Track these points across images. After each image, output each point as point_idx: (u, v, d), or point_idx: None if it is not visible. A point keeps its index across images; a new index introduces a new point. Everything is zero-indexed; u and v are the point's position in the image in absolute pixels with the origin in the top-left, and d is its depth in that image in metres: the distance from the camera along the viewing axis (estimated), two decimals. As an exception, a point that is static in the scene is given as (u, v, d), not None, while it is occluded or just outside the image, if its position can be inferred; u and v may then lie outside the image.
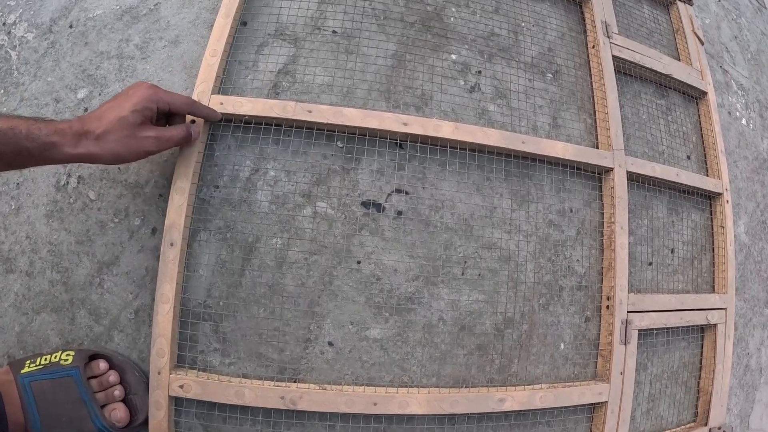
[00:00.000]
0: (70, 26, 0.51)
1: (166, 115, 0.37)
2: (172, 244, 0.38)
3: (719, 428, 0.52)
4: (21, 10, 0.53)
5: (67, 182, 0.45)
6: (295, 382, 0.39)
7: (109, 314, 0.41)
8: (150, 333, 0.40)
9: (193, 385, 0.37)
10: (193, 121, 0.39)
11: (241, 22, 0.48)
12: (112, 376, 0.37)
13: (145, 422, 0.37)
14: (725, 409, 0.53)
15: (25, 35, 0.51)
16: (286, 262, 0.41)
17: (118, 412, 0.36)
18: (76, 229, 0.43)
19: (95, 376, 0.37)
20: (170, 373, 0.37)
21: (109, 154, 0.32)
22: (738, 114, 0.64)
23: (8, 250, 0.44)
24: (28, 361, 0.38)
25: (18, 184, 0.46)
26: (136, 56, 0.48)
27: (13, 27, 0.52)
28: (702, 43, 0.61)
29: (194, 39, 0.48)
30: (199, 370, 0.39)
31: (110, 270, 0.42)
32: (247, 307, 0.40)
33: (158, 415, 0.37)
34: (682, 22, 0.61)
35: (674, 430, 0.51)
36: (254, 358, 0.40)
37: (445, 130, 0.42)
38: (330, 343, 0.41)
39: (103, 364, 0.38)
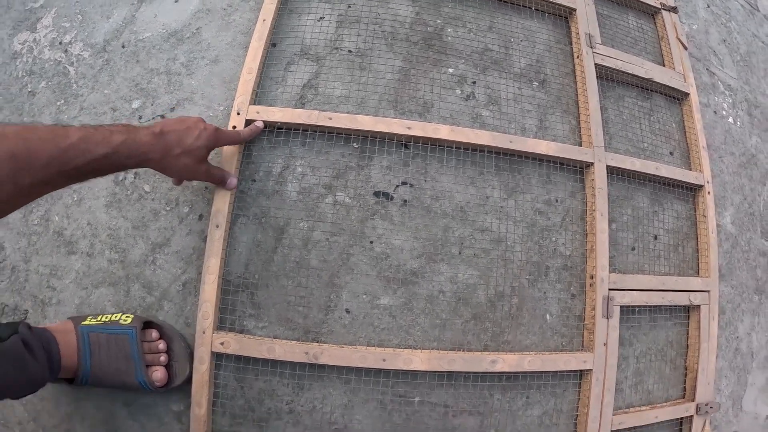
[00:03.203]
0: (123, 46, 0.70)
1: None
2: (217, 226, 0.55)
3: (706, 404, 0.65)
4: (76, 31, 0.72)
5: (125, 177, 0.62)
6: (318, 342, 0.55)
7: (160, 287, 0.58)
8: (195, 302, 0.56)
9: (232, 342, 0.53)
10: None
11: (272, 44, 0.66)
12: (162, 344, 0.53)
13: (187, 381, 0.52)
14: (712, 386, 0.65)
15: (81, 53, 0.71)
16: (311, 242, 0.57)
17: (159, 374, 0.50)
18: (133, 216, 0.60)
19: (146, 341, 0.53)
20: (213, 333, 0.53)
21: (176, 171, 0.46)
22: (724, 113, 0.79)
23: (70, 235, 0.61)
24: (89, 317, 0.53)
25: (80, 181, 0.64)
26: (182, 72, 0.67)
27: (70, 46, 0.72)
28: (686, 48, 0.77)
29: (231, 58, 0.66)
30: (237, 332, 0.55)
31: (162, 250, 0.59)
32: (278, 280, 0.56)
33: (201, 368, 0.53)
34: (666, 30, 0.77)
35: (663, 404, 0.64)
36: (283, 323, 0.56)
37: (443, 132, 0.58)
38: (347, 311, 0.56)
39: (155, 333, 0.53)
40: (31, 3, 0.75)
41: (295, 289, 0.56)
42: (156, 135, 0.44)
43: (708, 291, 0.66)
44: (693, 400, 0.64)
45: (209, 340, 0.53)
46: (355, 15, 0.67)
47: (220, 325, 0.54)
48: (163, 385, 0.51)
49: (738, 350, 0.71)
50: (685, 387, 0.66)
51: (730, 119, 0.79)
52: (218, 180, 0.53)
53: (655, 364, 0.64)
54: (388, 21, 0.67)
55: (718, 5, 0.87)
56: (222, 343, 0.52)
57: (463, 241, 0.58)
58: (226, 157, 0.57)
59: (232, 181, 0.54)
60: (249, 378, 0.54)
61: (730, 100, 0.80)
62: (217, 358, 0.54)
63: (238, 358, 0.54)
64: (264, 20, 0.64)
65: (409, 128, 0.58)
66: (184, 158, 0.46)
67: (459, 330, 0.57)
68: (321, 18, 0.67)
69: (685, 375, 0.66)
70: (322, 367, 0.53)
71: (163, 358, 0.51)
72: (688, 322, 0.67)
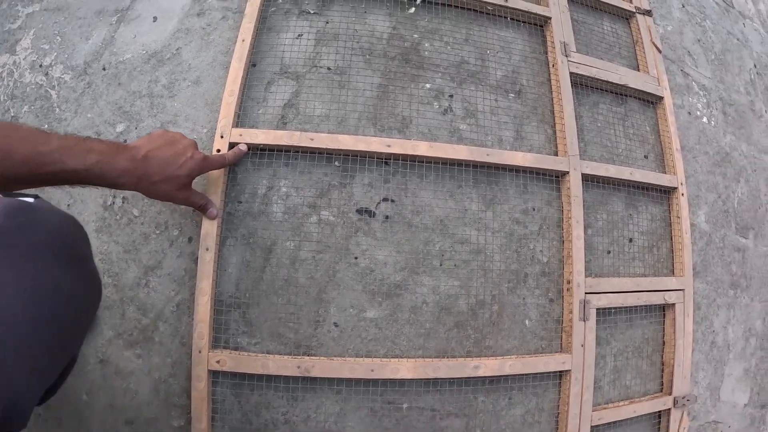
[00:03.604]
0: (104, 68, 0.72)
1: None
2: (207, 249, 0.58)
3: (683, 397, 0.70)
4: (55, 53, 0.74)
5: (113, 202, 0.65)
6: (308, 356, 0.59)
7: (155, 308, 0.61)
8: (189, 322, 0.60)
9: (228, 359, 0.57)
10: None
11: (252, 64, 0.69)
12: None
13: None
14: (689, 380, 0.70)
15: (63, 76, 0.73)
16: (298, 260, 0.60)
17: None
18: (123, 240, 0.63)
19: None
20: (209, 351, 0.57)
21: (154, 195, 0.48)
22: (698, 113, 0.82)
23: (64, 262, 0.64)
24: None
25: (69, 205, 0.67)
26: (165, 95, 0.69)
27: (50, 68, 0.74)
28: (660, 51, 0.80)
29: (213, 79, 0.68)
30: (231, 349, 0.59)
31: (154, 272, 0.62)
32: (268, 297, 0.60)
33: (199, 386, 0.57)
34: (641, 34, 0.80)
35: (641, 399, 0.69)
36: (275, 338, 0.59)
37: (422, 148, 0.61)
38: (335, 324, 0.60)
39: None
40: (9, 24, 0.76)
41: (284, 305, 0.60)
42: (137, 160, 0.45)
43: (682, 289, 0.70)
44: (670, 394, 0.69)
45: (205, 359, 0.56)
46: (332, 31, 0.69)
47: (215, 343, 0.58)
48: None
49: (714, 343, 0.76)
50: (662, 381, 0.71)
51: (705, 119, 0.83)
52: (199, 207, 0.55)
53: (633, 361, 0.69)
54: (366, 37, 0.69)
55: (693, 4, 0.90)
56: (218, 361, 0.56)
57: (444, 253, 0.62)
58: (212, 180, 0.60)
59: (213, 211, 0.56)
60: (245, 392, 0.58)
61: (705, 100, 0.84)
62: (214, 375, 0.57)
63: (234, 374, 0.58)
64: (243, 40, 0.66)
65: (388, 146, 0.61)
66: (162, 185, 0.47)
67: (443, 338, 0.61)
68: (299, 35, 0.69)
69: (662, 370, 0.70)
70: (314, 379, 0.57)
71: None
72: (664, 320, 0.71)
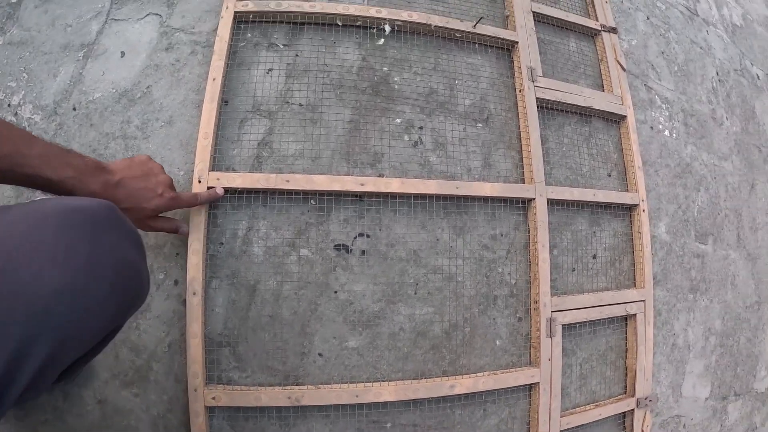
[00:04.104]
0: (74, 109, 0.74)
1: None
2: (194, 293, 0.63)
3: (646, 398, 0.78)
4: (23, 92, 0.75)
5: (97, 247, 0.69)
6: (297, 385, 0.65)
7: (147, 349, 0.66)
8: (182, 361, 0.65)
9: (222, 395, 0.62)
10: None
11: (224, 101, 0.71)
12: None
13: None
14: (650, 383, 0.79)
15: (32, 116, 0.74)
16: (281, 297, 0.65)
17: None
18: (111, 283, 0.67)
19: None
20: (204, 389, 0.62)
21: None
22: (661, 127, 0.88)
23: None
24: None
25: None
26: (138, 136, 0.72)
27: (19, 108, 0.75)
28: (624, 69, 0.85)
29: (186, 118, 0.71)
30: (224, 384, 0.64)
31: (144, 315, 0.66)
32: (255, 333, 0.65)
33: (198, 421, 0.62)
34: (606, 52, 0.85)
35: (606, 401, 0.77)
36: (264, 370, 0.65)
37: (394, 185, 0.66)
38: (320, 354, 0.66)
39: None
40: (-28, 59, 0.77)
41: (271, 339, 0.65)
42: (108, 186, 0.47)
43: (643, 300, 0.78)
44: (633, 395, 0.77)
45: (201, 396, 0.61)
46: (303, 65, 0.72)
47: (209, 381, 0.63)
48: None
49: (675, 345, 0.84)
50: (626, 384, 0.79)
51: (666, 132, 0.89)
52: (168, 230, 0.58)
53: (598, 368, 0.76)
54: (336, 70, 0.72)
55: (657, 16, 0.95)
56: (213, 398, 0.61)
57: (418, 282, 0.68)
58: (194, 224, 0.63)
59: (183, 228, 0.59)
60: (240, 422, 0.64)
61: (667, 113, 0.90)
62: (210, 410, 0.63)
63: (229, 409, 0.63)
64: (214, 79, 0.69)
65: (362, 185, 0.65)
66: (128, 213, 0.48)
67: (420, 360, 0.67)
68: (269, 70, 0.72)
69: (626, 374, 0.79)
70: (304, 407, 0.64)
71: None
72: (626, 328, 0.79)
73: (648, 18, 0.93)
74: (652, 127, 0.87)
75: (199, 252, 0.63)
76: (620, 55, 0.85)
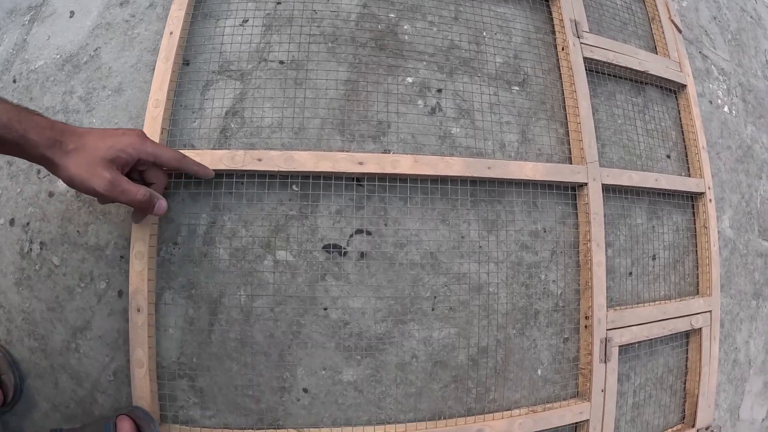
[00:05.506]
0: (14, 81, 0.48)
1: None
2: (139, 310, 0.37)
3: (707, 428, 0.51)
4: None
5: (30, 249, 0.43)
6: (275, 429, 0.39)
7: (90, 377, 0.41)
8: (130, 392, 0.39)
9: (176, 441, 0.37)
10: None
11: (184, 62, 0.44)
12: None
13: None
14: (713, 409, 0.51)
15: None
16: (252, 314, 0.39)
17: None
18: (46, 296, 0.41)
19: None
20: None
21: (65, 170, 0.30)
22: (720, 101, 0.59)
23: (-16, 319, 0.42)
24: None
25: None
26: (81, 109, 0.45)
27: None
28: (680, 31, 0.55)
29: (138, 85, 0.44)
30: (182, 424, 0.38)
31: (84, 335, 0.41)
32: (220, 362, 0.39)
33: (145, 472, 0.37)
34: (657, 10, 0.55)
35: (661, 433, 0.50)
36: (233, 409, 0.39)
37: (404, 164, 0.38)
38: (305, 390, 0.39)
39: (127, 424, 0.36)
40: None
41: (241, 370, 0.39)
42: (58, 124, 0.31)
43: (710, 311, 0.50)
44: (693, 425, 0.50)
45: (148, 441, 0.36)
46: (286, 14, 0.45)
47: (162, 421, 0.38)
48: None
49: (736, 361, 0.56)
50: (684, 411, 0.51)
51: (726, 108, 0.59)
52: (133, 199, 0.32)
53: (654, 394, 0.49)
54: (328, 19, 0.45)
55: (708, -25, 0.64)
56: (165, 444, 0.36)
57: (437, 294, 0.40)
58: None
59: (161, 204, 0.34)
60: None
61: (725, 86, 0.60)
62: (161, 458, 0.37)
63: (184, 457, 0.37)
64: (171, 33, 0.42)
65: (361, 164, 0.38)
66: (78, 157, 0.30)
67: (437, 396, 0.40)
68: (244, 21, 0.44)
69: (684, 399, 0.51)
70: (281, 459, 0.37)
71: None
72: (688, 346, 0.51)
73: (698, -24, 0.63)
74: (711, 102, 0.58)
75: (144, 255, 0.37)
76: (674, 14, 0.55)
